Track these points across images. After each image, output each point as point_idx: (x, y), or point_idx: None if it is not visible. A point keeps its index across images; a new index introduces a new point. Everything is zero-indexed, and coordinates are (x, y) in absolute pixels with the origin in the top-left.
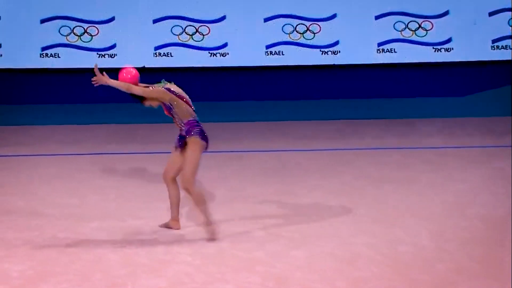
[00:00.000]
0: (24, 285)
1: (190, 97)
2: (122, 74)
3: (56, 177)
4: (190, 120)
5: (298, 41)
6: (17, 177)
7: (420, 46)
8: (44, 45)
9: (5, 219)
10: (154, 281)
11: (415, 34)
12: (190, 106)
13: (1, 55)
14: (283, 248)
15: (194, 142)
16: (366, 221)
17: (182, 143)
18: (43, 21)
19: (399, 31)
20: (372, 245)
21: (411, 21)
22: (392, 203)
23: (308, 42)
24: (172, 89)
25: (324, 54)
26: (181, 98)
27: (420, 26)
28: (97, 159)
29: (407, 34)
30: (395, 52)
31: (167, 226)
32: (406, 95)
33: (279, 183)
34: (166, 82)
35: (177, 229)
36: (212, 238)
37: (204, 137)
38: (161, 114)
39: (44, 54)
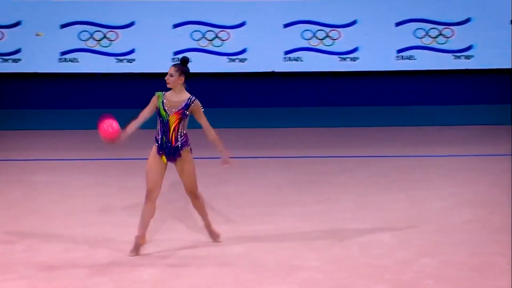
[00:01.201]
0: (154, 287)
1: (316, 102)
2: (107, 129)
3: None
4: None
5: (430, 45)
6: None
7: None
8: (176, 49)
9: (135, 223)
10: (283, 286)
11: None
12: None
13: (135, 60)
14: (413, 255)
15: (188, 152)
16: (500, 230)
17: (176, 156)
18: (175, 26)
19: None
20: (507, 254)
21: None
22: None
23: (441, 46)
24: None
25: (457, 58)
26: None
27: None
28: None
29: None
30: None
31: (136, 246)
32: None
33: (410, 189)
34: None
35: (144, 243)
36: (217, 241)
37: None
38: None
39: (176, 59)
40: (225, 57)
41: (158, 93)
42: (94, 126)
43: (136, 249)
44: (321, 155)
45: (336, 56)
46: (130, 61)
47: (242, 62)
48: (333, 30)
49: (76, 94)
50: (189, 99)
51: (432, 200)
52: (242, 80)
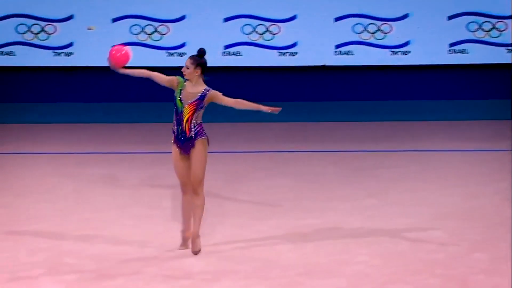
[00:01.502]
0: (205, 280)
1: (366, 95)
2: (115, 53)
3: (238, 176)
4: (200, 122)
5: (483, 39)
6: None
7: None
8: (227, 43)
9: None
10: (332, 280)
11: None
12: None
13: (185, 53)
14: (464, 250)
15: (203, 142)
16: None
17: (190, 146)
18: (226, 19)
19: None
20: None
21: None
22: None
23: (494, 40)
24: None
25: (510, 52)
26: None
27: None
28: (272, 157)
29: None
30: None
31: (184, 240)
32: None
33: (460, 184)
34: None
35: (191, 236)
36: (196, 252)
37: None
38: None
39: (227, 53)
40: (275, 51)
41: (180, 79)
42: (145, 120)
43: (184, 243)
44: (369, 149)
45: (387, 50)
46: (180, 54)
47: (293, 55)
48: (385, 23)
49: (126, 88)
50: (204, 90)
51: (483, 195)
52: (293, 74)
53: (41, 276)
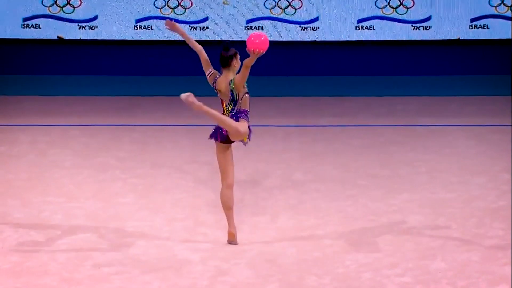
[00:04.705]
0: (336, 252)
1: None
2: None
3: (368, 148)
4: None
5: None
6: (331, 147)
7: None
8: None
9: (320, 188)
10: (465, 255)
11: None
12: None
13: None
14: None
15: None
16: None
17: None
18: None
19: None
20: None
21: None
22: None
23: None
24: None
25: None
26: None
27: None
28: (407, 131)
29: None
30: None
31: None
32: None
33: None
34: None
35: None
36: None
37: None
38: None
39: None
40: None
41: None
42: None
43: None
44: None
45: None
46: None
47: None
48: None
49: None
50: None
51: None
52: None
53: (176, 244)
